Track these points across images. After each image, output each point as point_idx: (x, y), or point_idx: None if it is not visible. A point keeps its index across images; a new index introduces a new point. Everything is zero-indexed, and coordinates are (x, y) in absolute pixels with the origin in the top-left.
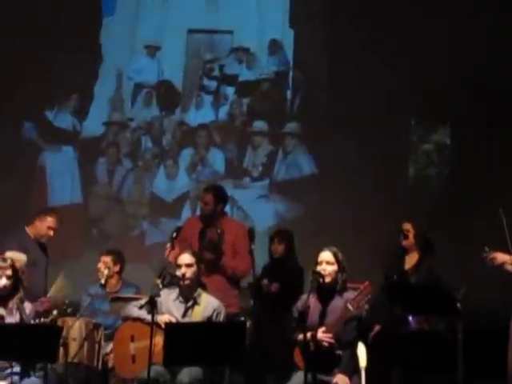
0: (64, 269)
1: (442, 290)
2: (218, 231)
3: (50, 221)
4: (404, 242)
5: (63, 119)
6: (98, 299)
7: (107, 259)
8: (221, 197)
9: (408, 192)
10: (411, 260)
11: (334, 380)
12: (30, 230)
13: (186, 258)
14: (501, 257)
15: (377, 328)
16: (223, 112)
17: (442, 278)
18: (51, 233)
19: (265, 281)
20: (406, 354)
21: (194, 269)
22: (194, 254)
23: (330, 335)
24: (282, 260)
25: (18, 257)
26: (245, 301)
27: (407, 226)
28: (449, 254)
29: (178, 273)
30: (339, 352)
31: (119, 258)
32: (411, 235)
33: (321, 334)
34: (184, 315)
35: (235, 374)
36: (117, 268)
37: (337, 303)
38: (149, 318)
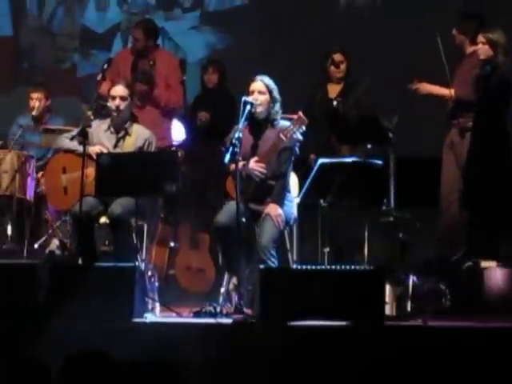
0: None
1: (373, 119)
2: (150, 62)
3: None
4: (336, 73)
5: None
6: (29, 131)
7: (38, 94)
8: (151, 31)
9: (341, 21)
10: (335, 89)
11: (266, 209)
12: None
13: (119, 89)
14: (425, 87)
15: (312, 156)
16: None
17: (369, 107)
18: None
19: (201, 113)
20: (335, 183)
21: (127, 102)
22: (127, 86)
23: (262, 165)
24: (215, 90)
25: None
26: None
27: (339, 57)
28: (381, 82)
29: (112, 104)
30: (272, 182)
31: (49, 92)
32: (343, 66)
33: (253, 163)
34: (115, 146)
35: (169, 207)
36: (48, 102)
37: (269, 134)
38: (80, 148)
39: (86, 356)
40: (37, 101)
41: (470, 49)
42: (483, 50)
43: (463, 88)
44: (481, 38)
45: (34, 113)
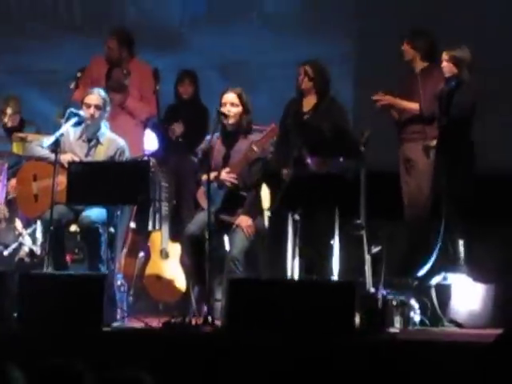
0: None
1: (344, 133)
2: (124, 72)
3: None
4: (304, 85)
5: None
6: (1, 141)
7: (9, 108)
8: (125, 41)
9: None
10: (309, 102)
11: (237, 221)
12: None
13: (94, 98)
14: (388, 99)
15: (285, 171)
16: None
17: (342, 121)
18: None
19: (174, 124)
20: (305, 196)
21: (101, 111)
22: (101, 95)
23: (234, 175)
24: (190, 101)
25: None
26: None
27: (308, 69)
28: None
29: (86, 113)
30: (243, 193)
31: (19, 103)
32: (307, 78)
33: (224, 174)
34: (87, 154)
35: (139, 216)
36: (17, 108)
37: (241, 145)
38: (52, 156)
39: (54, 368)
40: (8, 115)
41: (421, 64)
42: (448, 67)
43: (427, 104)
44: (445, 56)
45: (6, 121)
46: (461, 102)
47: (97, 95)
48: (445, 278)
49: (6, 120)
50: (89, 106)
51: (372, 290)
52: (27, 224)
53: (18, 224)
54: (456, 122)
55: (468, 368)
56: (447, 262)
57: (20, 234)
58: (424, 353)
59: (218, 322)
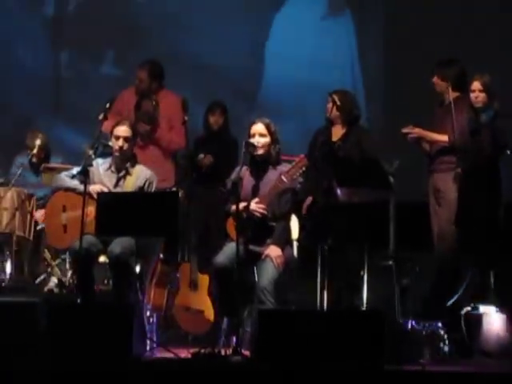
0: None
1: (373, 163)
2: (153, 103)
3: None
4: (332, 114)
5: None
6: (29, 170)
7: (36, 141)
8: (156, 73)
9: None
10: (338, 132)
11: (266, 251)
12: None
13: (124, 130)
14: (419, 132)
15: (309, 199)
16: None
17: (371, 151)
18: None
19: (200, 155)
20: (335, 226)
21: (130, 142)
22: (130, 127)
23: (263, 206)
24: (220, 132)
25: None
26: (179, 172)
27: (336, 98)
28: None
29: (115, 145)
30: (272, 224)
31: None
32: (335, 107)
33: (253, 204)
34: (116, 185)
35: (169, 247)
36: (45, 142)
37: (270, 176)
38: (81, 187)
39: None
40: (37, 149)
41: (453, 94)
42: (481, 97)
43: (459, 134)
44: (477, 85)
45: (34, 155)
46: (505, 132)
47: (126, 127)
48: (475, 309)
49: (34, 153)
50: (118, 138)
51: (401, 320)
52: (55, 255)
53: (47, 255)
54: (502, 152)
55: None
56: (477, 292)
57: (49, 265)
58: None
59: (247, 353)
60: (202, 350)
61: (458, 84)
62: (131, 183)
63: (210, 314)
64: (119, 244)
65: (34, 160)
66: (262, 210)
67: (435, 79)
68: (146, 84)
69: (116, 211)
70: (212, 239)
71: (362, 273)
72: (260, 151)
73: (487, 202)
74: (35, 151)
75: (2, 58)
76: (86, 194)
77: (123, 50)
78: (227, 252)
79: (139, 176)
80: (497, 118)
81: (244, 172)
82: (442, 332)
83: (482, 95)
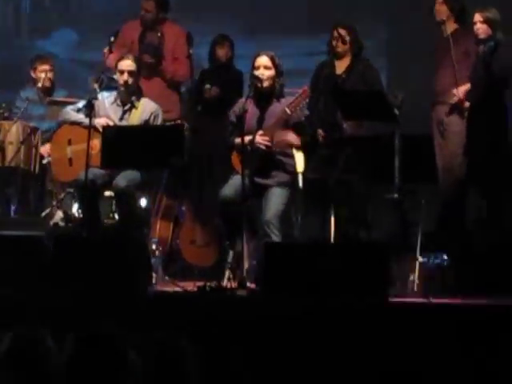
0: None
1: (379, 96)
2: (159, 35)
3: None
4: (340, 48)
5: None
6: (35, 104)
7: (45, 67)
8: (163, 3)
9: None
10: (342, 65)
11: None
12: None
13: (128, 64)
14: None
15: (320, 132)
16: None
17: (376, 84)
18: None
19: (207, 86)
20: (340, 159)
21: (135, 76)
22: (135, 60)
23: (267, 138)
24: (226, 65)
25: None
26: (183, 106)
27: (343, 32)
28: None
29: (120, 79)
30: (279, 157)
31: (53, 64)
32: (347, 40)
33: (258, 137)
34: (121, 118)
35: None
36: (52, 74)
37: (274, 108)
38: (86, 121)
39: (96, 338)
40: (43, 73)
41: (452, 26)
42: (482, 29)
43: (471, 68)
44: (478, 17)
45: (39, 85)
46: (504, 63)
47: (130, 61)
48: None
49: (43, 78)
50: (122, 72)
51: (407, 252)
52: (61, 189)
53: (53, 188)
54: (498, 83)
55: (503, 331)
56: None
57: (55, 199)
58: (459, 316)
59: (252, 286)
60: (208, 284)
61: (460, 15)
62: (137, 116)
63: (215, 246)
64: (124, 178)
65: (46, 84)
66: (266, 143)
67: (439, 7)
68: (153, 14)
69: (121, 144)
70: (217, 172)
71: (367, 206)
72: (265, 84)
73: (492, 137)
74: (43, 78)
75: None
76: (91, 127)
77: None
78: (233, 185)
79: (145, 109)
80: (497, 48)
81: (248, 104)
82: (449, 264)
83: (484, 26)
